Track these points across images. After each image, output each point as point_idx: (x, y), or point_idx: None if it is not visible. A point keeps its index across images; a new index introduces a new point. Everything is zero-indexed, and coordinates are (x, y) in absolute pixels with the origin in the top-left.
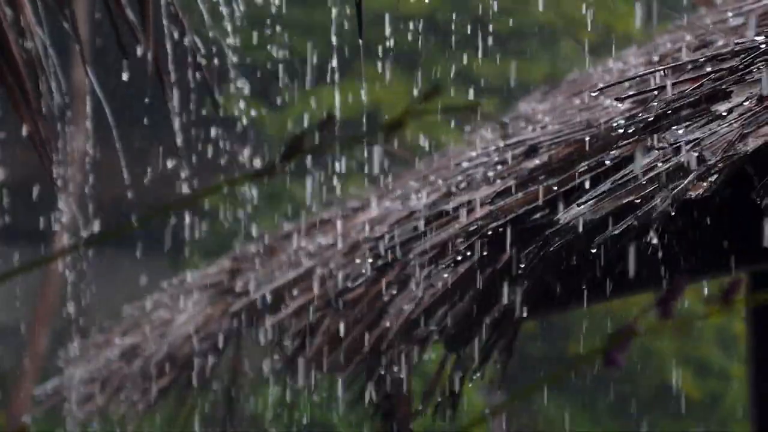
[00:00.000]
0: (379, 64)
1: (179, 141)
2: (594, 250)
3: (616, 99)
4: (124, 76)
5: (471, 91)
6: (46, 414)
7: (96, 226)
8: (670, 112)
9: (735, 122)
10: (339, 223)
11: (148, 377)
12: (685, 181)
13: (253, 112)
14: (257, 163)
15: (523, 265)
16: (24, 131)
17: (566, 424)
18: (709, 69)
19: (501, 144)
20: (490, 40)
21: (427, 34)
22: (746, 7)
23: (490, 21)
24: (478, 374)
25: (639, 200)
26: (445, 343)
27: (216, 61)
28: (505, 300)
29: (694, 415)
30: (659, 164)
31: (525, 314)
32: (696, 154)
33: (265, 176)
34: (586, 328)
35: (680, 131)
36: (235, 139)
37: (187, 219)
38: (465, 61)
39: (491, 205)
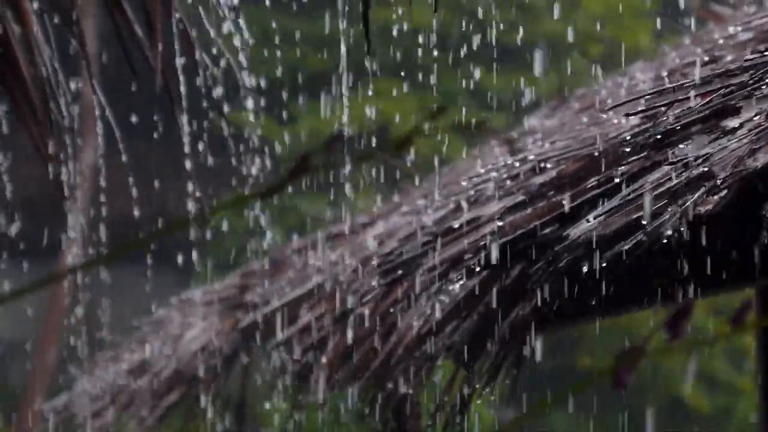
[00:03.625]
0: (388, 79)
1: (188, 158)
2: (603, 266)
3: (626, 114)
4: (133, 92)
5: (480, 106)
6: (55, 430)
7: (105, 242)
8: (679, 127)
9: (745, 138)
10: (348, 238)
11: (157, 393)
12: (695, 197)
13: (262, 128)
14: (266, 178)
15: (532, 281)
16: (33, 147)
17: None
18: (718, 84)
19: (510, 159)
20: (499, 55)
21: (436, 49)
22: (755, 22)
23: (499, 35)
24: (488, 389)
25: (648, 216)
26: (455, 358)
27: (224, 76)
28: (514, 315)
29: (703, 429)
30: (669, 180)
31: (535, 330)
32: (705, 170)
33: (272, 194)
34: (595, 343)
35: (690, 147)
36: (244, 154)
37: (196, 234)
38: (474, 76)
39: (500, 221)
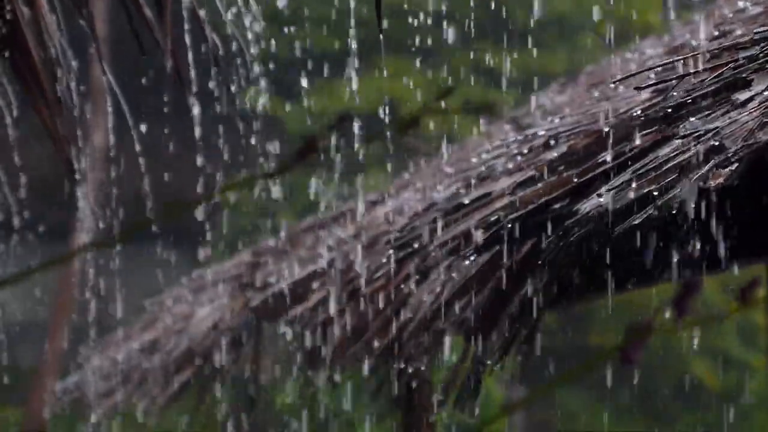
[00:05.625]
0: (398, 58)
1: (198, 138)
2: (614, 240)
3: (636, 89)
4: (144, 73)
5: (490, 84)
6: (67, 409)
7: (116, 222)
8: (689, 101)
9: (755, 110)
10: (358, 216)
11: (168, 372)
12: (705, 170)
13: (272, 107)
14: (276, 158)
15: (543, 256)
16: (43, 129)
17: (586, 417)
18: (728, 58)
19: (520, 135)
20: (509, 33)
21: (446, 27)
22: None
23: (509, 13)
24: (499, 366)
25: (659, 190)
26: (466, 335)
27: (234, 56)
28: (525, 291)
29: (715, 406)
30: (679, 154)
31: (546, 306)
32: (716, 143)
33: (283, 173)
34: (607, 320)
35: (700, 120)
36: (254, 133)
37: (207, 214)
38: (484, 54)
39: (511, 196)
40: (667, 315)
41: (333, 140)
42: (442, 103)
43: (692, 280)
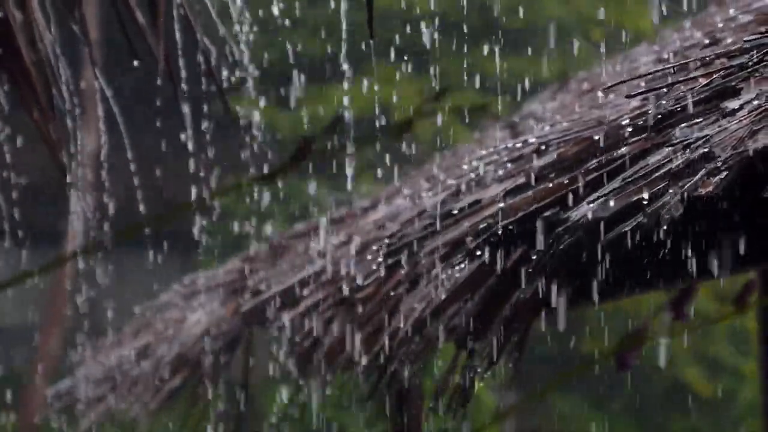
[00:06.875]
0: (390, 64)
1: (190, 142)
2: (604, 248)
3: (626, 96)
4: (135, 77)
5: (481, 90)
6: (58, 415)
7: (107, 227)
8: (679, 109)
9: (745, 119)
10: (350, 222)
11: (159, 377)
12: (695, 179)
13: (264, 113)
14: (268, 164)
15: (533, 264)
16: (35, 132)
17: (578, 423)
18: (718, 66)
19: (510, 142)
20: (501, 39)
21: (438, 33)
22: (755, 5)
23: (500, 19)
24: (490, 373)
25: (648, 198)
26: (456, 341)
27: (227, 62)
28: (515, 298)
29: (706, 413)
30: (669, 161)
31: (537, 313)
32: (706, 151)
33: (276, 178)
34: (597, 327)
35: (690, 128)
36: (246, 139)
37: (199, 219)
38: (475, 60)
39: (501, 203)
40: (665, 318)
41: (328, 142)
42: (437, 104)
43: (688, 285)
